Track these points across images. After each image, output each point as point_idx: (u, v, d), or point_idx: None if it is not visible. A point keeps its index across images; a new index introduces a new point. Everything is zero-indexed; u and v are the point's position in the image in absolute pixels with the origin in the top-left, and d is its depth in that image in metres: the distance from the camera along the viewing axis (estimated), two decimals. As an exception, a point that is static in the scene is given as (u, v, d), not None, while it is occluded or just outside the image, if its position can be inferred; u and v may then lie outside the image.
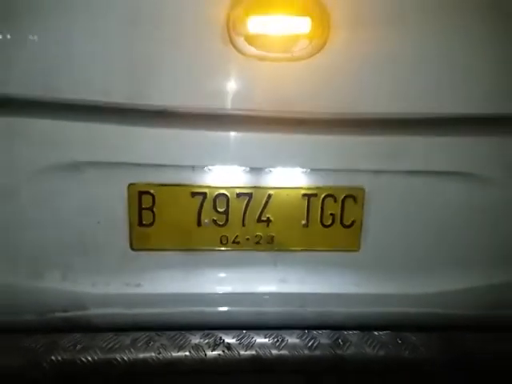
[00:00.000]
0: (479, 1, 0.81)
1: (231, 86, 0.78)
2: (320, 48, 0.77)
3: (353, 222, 0.86)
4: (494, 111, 0.84)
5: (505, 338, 0.87)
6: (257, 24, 0.74)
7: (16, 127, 0.79)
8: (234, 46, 0.76)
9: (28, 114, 0.78)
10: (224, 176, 0.83)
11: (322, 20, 0.75)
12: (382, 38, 0.78)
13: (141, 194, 0.83)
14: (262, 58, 0.76)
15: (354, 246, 0.88)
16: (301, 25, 0.74)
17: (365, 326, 0.89)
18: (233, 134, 0.81)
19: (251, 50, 0.76)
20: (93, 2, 0.75)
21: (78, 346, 0.83)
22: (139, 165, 0.81)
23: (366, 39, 0.77)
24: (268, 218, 0.85)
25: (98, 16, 0.74)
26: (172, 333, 0.86)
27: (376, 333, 0.90)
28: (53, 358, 0.79)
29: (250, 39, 0.75)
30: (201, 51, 0.76)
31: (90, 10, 0.75)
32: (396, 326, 0.88)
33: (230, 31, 0.75)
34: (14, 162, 0.80)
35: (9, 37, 0.75)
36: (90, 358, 0.82)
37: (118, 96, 0.78)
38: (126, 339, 0.84)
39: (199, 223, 0.84)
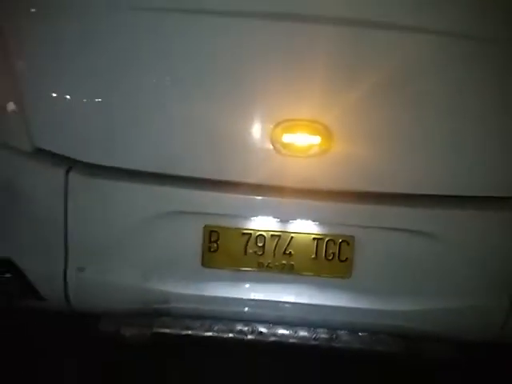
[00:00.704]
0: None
1: (272, 171, 1.26)
2: (326, 152, 1.23)
3: (346, 259, 1.31)
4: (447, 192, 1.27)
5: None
6: (288, 138, 1.22)
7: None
8: (275, 148, 1.23)
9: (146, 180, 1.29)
10: (263, 223, 1.31)
11: (327, 136, 1.22)
12: (366, 143, 1.24)
13: (211, 231, 1.31)
14: (290, 156, 1.24)
15: (347, 274, 1.32)
16: (314, 139, 1.22)
17: (351, 329, 1.33)
18: (271, 199, 1.28)
19: (284, 151, 1.24)
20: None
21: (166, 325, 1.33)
22: (212, 214, 1.30)
23: (355, 147, 1.23)
24: (290, 252, 1.31)
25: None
26: (225, 320, 1.35)
27: (360, 334, 1.34)
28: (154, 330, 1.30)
29: (284, 145, 1.23)
30: (258, 147, 1.24)
31: None
32: (372, 329, 1.32)
33: (273, 140, 1.23)
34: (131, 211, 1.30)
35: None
36: (172, 333, 1.32)
37: (202, 172, 1.27)
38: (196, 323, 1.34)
39: (245, 253, 1.32)
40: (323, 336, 1.34)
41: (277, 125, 1.22)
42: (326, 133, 1.22)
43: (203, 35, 1.20)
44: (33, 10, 1.25)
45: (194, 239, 1.31)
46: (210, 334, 1.34)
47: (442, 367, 1.38)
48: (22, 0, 1.27)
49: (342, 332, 1.34)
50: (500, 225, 1.28)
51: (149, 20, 1.21)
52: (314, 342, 1.33)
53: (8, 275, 1.32)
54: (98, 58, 1.23)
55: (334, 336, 1.33)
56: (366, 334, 1.34)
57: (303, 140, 1.24)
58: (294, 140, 1.24)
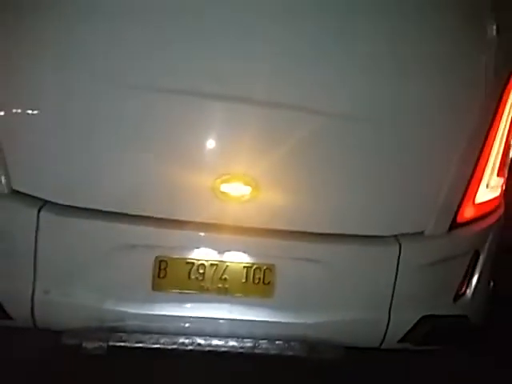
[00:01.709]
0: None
1: (212, 212, 1.59)
2: (253, 198, 1.58)
3: (269, 282, 1.65)
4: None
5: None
6: (224, 187, 1.57)
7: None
8: (214, 195, 1.57)
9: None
10: (204, 254, 1.62)
11: (254, 187, 1.57)
12: (283, 193, 1.61)
13: (160, 261, 1.60)
14: (226, 201, 1.58)
15: (270, 294, 1.66)
16: (244, 189, 1.58)
17: (271, 338, 1.67)
18: (210, 234, 1.61)
19: (221, 197, 1.57)
20: None
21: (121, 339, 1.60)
22: (161, 246, 1.59)
23: (275, 195, 1.60)
24: (225, 277, 1.63)
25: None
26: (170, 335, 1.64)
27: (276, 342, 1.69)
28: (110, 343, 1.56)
29: (221, 193, 1.57)
30: (201, 194, 1.57)
31: None
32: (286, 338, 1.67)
33: (213, 188, 1.56)
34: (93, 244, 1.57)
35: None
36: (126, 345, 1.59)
37: (154, 211, 1.57)
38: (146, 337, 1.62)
39: (189, 278, 1.62)
40: (248, 345, 1.67)
41: (216, 177, 1.57)
42: (254, 184, 1.58)
43: (157, 107, 1.53)
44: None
45: (146, 267, 1.59)
46: (157, 345, 1.62)
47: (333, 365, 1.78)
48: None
49: (263, 341, 1.68)
50: (377, 257, 1.69)
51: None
52: (240, 350, 1.66)
53: (-20, 299, 1.53)
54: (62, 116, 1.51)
55: (257, 344, 1.67)
56: (281, 342, 1.69)
57: (236, 189, 1.59)
58: (230, 189, 1.58)
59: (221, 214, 1.60)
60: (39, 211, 1.52)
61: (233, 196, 1.58)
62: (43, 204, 1.53)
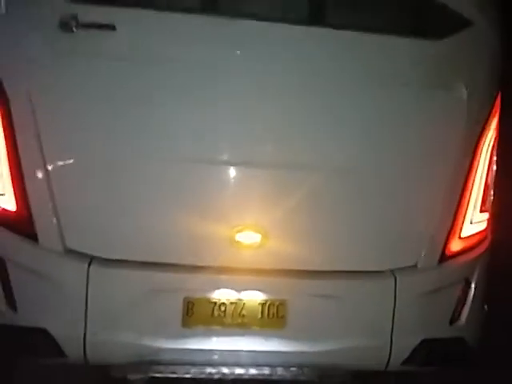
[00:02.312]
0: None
1: (229, 258, 1.88)
2: (264, 244, 1.87)
3: (282, 316, 1.91)
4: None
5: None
6: (239, 236, 1.87)
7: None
8: (231, 243, 1.86)
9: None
10: (224, 294, 1.90)
11: (265, 235, 1.87)
12: (290, 240, 1.90)
13: (188, 302, 1.88)
14: (241, 248, 1.87)
15: (283, 327, 1.92)
16: (256, 237, 1.87)
17: (285, 365, 1.92)
18: (229, 277, 1.90)
19: (237, 245, 1.87)
20: None
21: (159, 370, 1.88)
22: (188, 289, 1.88)
23: (282, 242, 1.89)
24: (243, 314, 1.90)
25: None
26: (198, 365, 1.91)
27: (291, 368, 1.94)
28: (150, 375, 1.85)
29: (237, 241, 1.87)
30: (219, 242, 1.87)
31: None
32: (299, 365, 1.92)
33: (230, 238, 1.86)
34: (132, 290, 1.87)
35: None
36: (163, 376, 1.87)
37: (182, 259, 1.87)
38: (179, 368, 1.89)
39: (212, 315, 1.89)
40: (266, 372, 1.92)
41: (232, 228, 1.88)
42: (264, 232, 1.88)
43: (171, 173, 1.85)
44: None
45: (176, 307, 1.88)
46: (188, 375, 1.89)
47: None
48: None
49: (279, 368, 1.93)
50: (376, 289, 1.94)
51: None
52: (260, 377, 1.92)
53: (42, 341, 1.84)
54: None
55: (274, 371, 1.92)
56: (295, 368, 1.93)
57: (249, 237, 1.89)
58: (243, 237, 1.89)
59: (237, 259, 1.90)
60: (89, 265, 1.84)
61: (246, 243, 1.88)
62: (91, 259, 1.85)
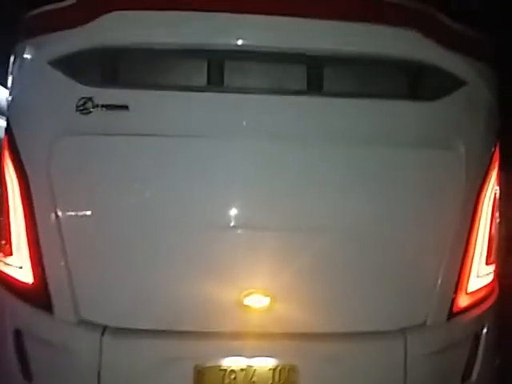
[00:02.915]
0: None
1: (238, 323, 1.91)
2: (272, 308, 1.90)
3: (294, 381, 1.91)
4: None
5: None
6: (247, 301, 1.90)
7: None
8: (240, 308, 1.90)
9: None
10: (234, 362, 1.90)
11: (273, 299, 1.90)
12: (297, 303, 1.93)
13: (198, 370, 1.90)
14: (249, 312, 1.90)
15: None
16: (265, 300, 1.91)
17: None
18: (238, 343, 1.92)
19: (245, 309, 1.90)
20: None
21: None
22: (198, 357, 1.90)
23: (290, 305, 1.91)
24: (254, 380, 1.90)
25: None
26: None
27: None
28: None
29: (245, 306, 1.90)
30: (228, 308, 1.90)
31: None
32: None
33: (238, 303, 1.90)
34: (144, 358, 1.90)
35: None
36: None
37: (192, 326, 1.91)
38: None
39: (223, 383, 1.90)
40: None
41: (240, 293, 1.91)
42: (272, 296, 1.92)
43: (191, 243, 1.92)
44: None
45: (187, 376, 1.89)
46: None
47: None
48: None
49: None
50: (387, 349, 1.95)
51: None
52: None
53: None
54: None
55: None
56: None
57: (257, 301, 1.92)
58: (252, 302, 1.92)
59: (246, 323, 1.92)
60: (102, 335, 1.88)
61: (255, 307, 1.92)
62: (104, 329, 1.90)
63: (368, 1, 1.99)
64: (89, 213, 1.94)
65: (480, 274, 2.11)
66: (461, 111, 2.05)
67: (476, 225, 2.08)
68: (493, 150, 2.17)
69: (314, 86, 1.97)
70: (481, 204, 2.10)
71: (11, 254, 2.01)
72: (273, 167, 1.94)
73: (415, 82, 2.03)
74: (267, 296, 1.92)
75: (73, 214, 1.94)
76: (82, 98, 1.89)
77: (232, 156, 1.96)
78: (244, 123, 1.96)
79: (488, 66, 2.13)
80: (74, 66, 1.92)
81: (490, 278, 2.16)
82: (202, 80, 1.94)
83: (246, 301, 1.91)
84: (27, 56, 2.02)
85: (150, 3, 1.90)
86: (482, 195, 2.10)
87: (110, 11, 1.87)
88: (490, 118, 2.13)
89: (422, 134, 2.00)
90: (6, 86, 2.20)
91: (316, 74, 1.97)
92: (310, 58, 1.95)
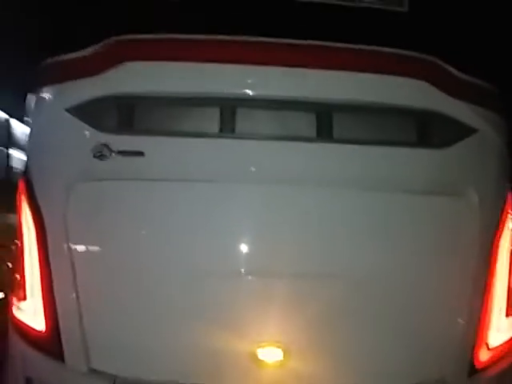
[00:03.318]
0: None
1: (252, 376, 1.87)
2: (289, 361, 1.85)
3: None
4: None
5: None
6: (261, 354, 1.86)
7: None
8: (253, 361, 1.86)
9: None
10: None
11: (286, 351, 1.86)
12: (311, 356, 1.88)
13: None
14: (263, 365, 1.86)
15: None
16: (278, 353, 1.86)
17: None
18: None
19: (258, 362, 1.86)
20: None
21: None
22: None
23: (304, 358, 1.86)
24: None
25: None
26: None
27: None
28: None
29: (258, 359, 1.86)
30: (242, 361, 1.86)
31: None
32: None
33: (251, 355, 1.86)
34: None
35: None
36: None
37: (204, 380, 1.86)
38: None
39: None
40: None
41: (254, 346, 1.87)
42: (287, 348, 1.87)
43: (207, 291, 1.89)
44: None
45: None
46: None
47: None
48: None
49: None
50: None
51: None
52: None
53: None
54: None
55: None
56: None
57: (272, 355, 1.88)
58: (266, 355, 1.88)
59: (260, 379, 1.88)
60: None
61: (268, 361, 1.87)
62: (115, 379, 1.87)
63: (375, 52, 2.01)
64: (103, 260, 1.94)
65: (501, 328, 2.03)
66: (472, 158, 2.03)
67: (493, 275, 2.02)
68: (506, 197, 2.12)
69: (324, 132, 1.97)
70: (497, 253, 2.04)
71: (25, 299, 2.00)
72: (284, 213, 1.93)
73: (425, 130, 2.01)
74: (280, 348, 1.87)
75: (87, 261, 1.94)
76: (99, 144, 1.91)
77: (244, 201, 1.96)
78: (254, 169, 1.96)
79: (497, 114, 2.11)
80: (91, 113, 1.94)
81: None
82: (215, 127, 1.96)
83: (260, 354, 1.87)
84: (45, 103, 2.05)
85: (164, 54, 1.94)
86: (499, 244, 2.04)
87: (126, 61, 1.91)
88: (501, 164, 2.10)
89: (433, 180, 1.98)
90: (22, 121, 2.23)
91: (326, 122, 1.97)
92: (319, 105, 1.96)
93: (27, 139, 2.12)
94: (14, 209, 2.09)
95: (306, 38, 1.98)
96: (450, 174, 2.00)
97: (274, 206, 1.94)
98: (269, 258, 1.93)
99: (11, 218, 2.38)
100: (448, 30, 2.08)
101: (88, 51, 1.99)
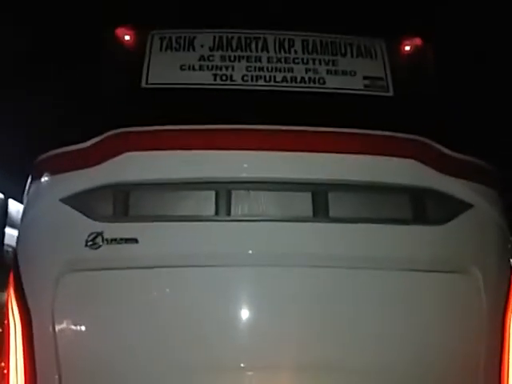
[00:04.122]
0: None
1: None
2: None
3: None
4: None
5: None
6: None
7: None
8: None
9: None
10: None
11: None
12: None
13: None
14: None
15: None
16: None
17: None
18: None
19: None
20: None
21: None
22: None
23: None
24: None
25: None
26: None
27: None
28: None
29: None
30: None
31: None
32: None
33: None
34: None
35: None
36: None
37: None
38: None
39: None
40: None
41: None
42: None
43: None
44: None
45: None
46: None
47: None
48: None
49: None
50: None
51: None
52: None
53: None
54: None
55: None
56: None
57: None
58: None
59: None
60: None
61: None
62: None
63: (367, 135, 2.06)
64: (92, 355, 1.81)
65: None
66: (470, 234, 2.01)
67: (505, 353, 1.91)
68: (510, 272, 2.06)
69: (320, 212, 1.96)
70: (508, 326, 1.95)
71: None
72: (281, 298, 1.86)
73: (419, 207, 2.00)
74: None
75: (74, 357, 1.81)
76: (92, 232, 1.88)
77: (242, 286, 1.90)
78: (251, 251, 1.92)
79: (492, 189, 2.13)
80: (85, 202, 1.93)
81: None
82: (210, 210, 1.94)
83: None
84: (40, 194, 2.05)
85: (160, 144, 1.98)
86: (508, 318, 1.96)
87: (122, 153, 1.94)
88: (500, 239, 2.07)
89: (433, 258, 1.93)
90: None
91: (321, 202, 1.97)
92: (315, 186, 1.97)
93: (18, 230, 2.08)
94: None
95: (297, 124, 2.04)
96: (450, 251, 1.96)
97: (272, 289, 1.87)
98: (268, 350, 1.82)
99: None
100: (434, 111, 2.18)
101: (87, 144, 2.02)
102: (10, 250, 6.97)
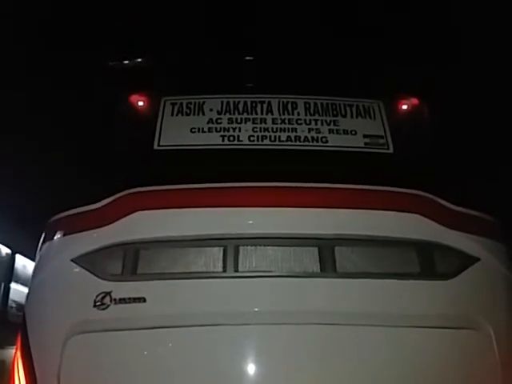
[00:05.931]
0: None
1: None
2: None
3: None
4: None
5: None
6: None
7: None
8: None
9: None
10: None
11: None
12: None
13: None
14: None
15: None
16: None
17: None
18: None
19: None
20: None
21: None
22: None
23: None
24: None
25: None
26: None
27: None
28: None
29: None
30: None
31: None
32: None
33: None
34: None
35: None
36: None
37: None
38: None
39: None
40: None
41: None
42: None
43: None
44: None
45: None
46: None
47: None
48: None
49: None
50: None
51: None
52: None
53: None
54: None
55: None
56: None
57: None
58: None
59: None
60: None
61: None
62: None
63: (372, 191, 2.10)
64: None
65: None
66: (479, 288, 1.99)
67: None
68: None
69: (328, 267, 1.95)
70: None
71: None
72: (290, 353, 1.84)
73: (427, 262, 2.00)
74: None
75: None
76: (101, 292, 1.88)
77: (250, 344, 1.87)
78: (258, 309, 1.91)
79: (497, 242, 2.13)
80: (95, 261, 1.95)
81: None
82: (218, 266, 1.95)
83: None
84: (51, 254, 2.07)
85: (169, 203, 2.03)
86: None
87: (133, 212, 1.98)
88: (510, 292, 2.04)
89: (443, 313, 1.91)
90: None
91: (329, 257, 1.97)
92: (321, 241, 1.98)
93: (28, 291, 2.09)
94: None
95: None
96: (459, 306, 1.93)
97: (282, 347, 1.84)
98: None
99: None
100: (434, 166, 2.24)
101: (99, 204, 2.06)
102: (14, 305, 6.85)
